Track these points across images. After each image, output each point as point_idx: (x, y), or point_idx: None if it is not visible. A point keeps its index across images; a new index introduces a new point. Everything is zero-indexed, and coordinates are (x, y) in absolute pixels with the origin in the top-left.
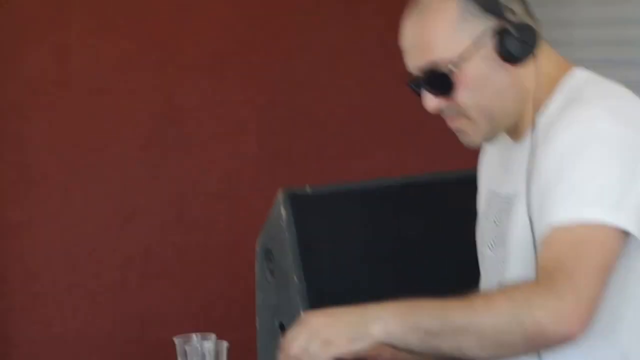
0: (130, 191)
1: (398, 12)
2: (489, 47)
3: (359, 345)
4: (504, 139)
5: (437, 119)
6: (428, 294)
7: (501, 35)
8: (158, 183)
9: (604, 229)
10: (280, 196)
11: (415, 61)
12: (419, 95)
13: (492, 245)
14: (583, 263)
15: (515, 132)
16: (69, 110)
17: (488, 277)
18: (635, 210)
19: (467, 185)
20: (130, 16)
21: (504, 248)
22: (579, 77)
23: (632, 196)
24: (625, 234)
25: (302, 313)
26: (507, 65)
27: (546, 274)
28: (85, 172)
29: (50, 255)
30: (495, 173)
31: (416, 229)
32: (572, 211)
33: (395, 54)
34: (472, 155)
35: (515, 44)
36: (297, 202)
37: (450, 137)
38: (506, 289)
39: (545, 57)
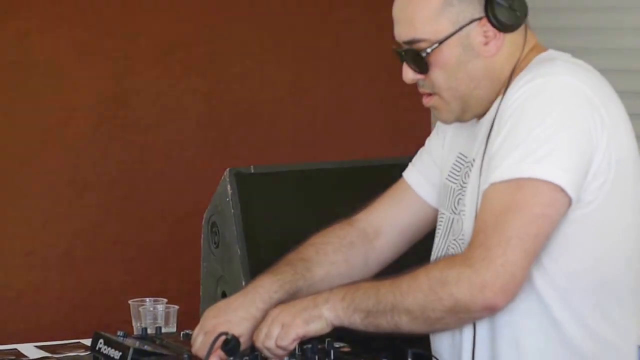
0: (82, 168)
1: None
2: (469, 35)
3: (315, 326)
4: None
5: (361, 109)
6: None
7: (491, 6)
8: (106, 161)
9: (536, 183)
10: (226, 174)
11: (400, 33)
12: (402, 61)
13: (455, 205)
14: (500, 231)
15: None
16: (28, 91)
17: (443, 237)
18: (575, 171)
19: (396, 170)
20: (86, 7)
21: (463, 206)
22: (548, 53)
23: (573, 156)
24: (567, 195)
25: (243, 282)
26: (483, 55)
27: (469, 245)
28: (42, 149)
29: (8, 224)
30: (464, 139)
31: (349, 208)
32: (508, 167)
33: (322, 48)
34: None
35: (505, 12)
36: (241, 180)
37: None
38: (428, 266)
39: (525, 44)
